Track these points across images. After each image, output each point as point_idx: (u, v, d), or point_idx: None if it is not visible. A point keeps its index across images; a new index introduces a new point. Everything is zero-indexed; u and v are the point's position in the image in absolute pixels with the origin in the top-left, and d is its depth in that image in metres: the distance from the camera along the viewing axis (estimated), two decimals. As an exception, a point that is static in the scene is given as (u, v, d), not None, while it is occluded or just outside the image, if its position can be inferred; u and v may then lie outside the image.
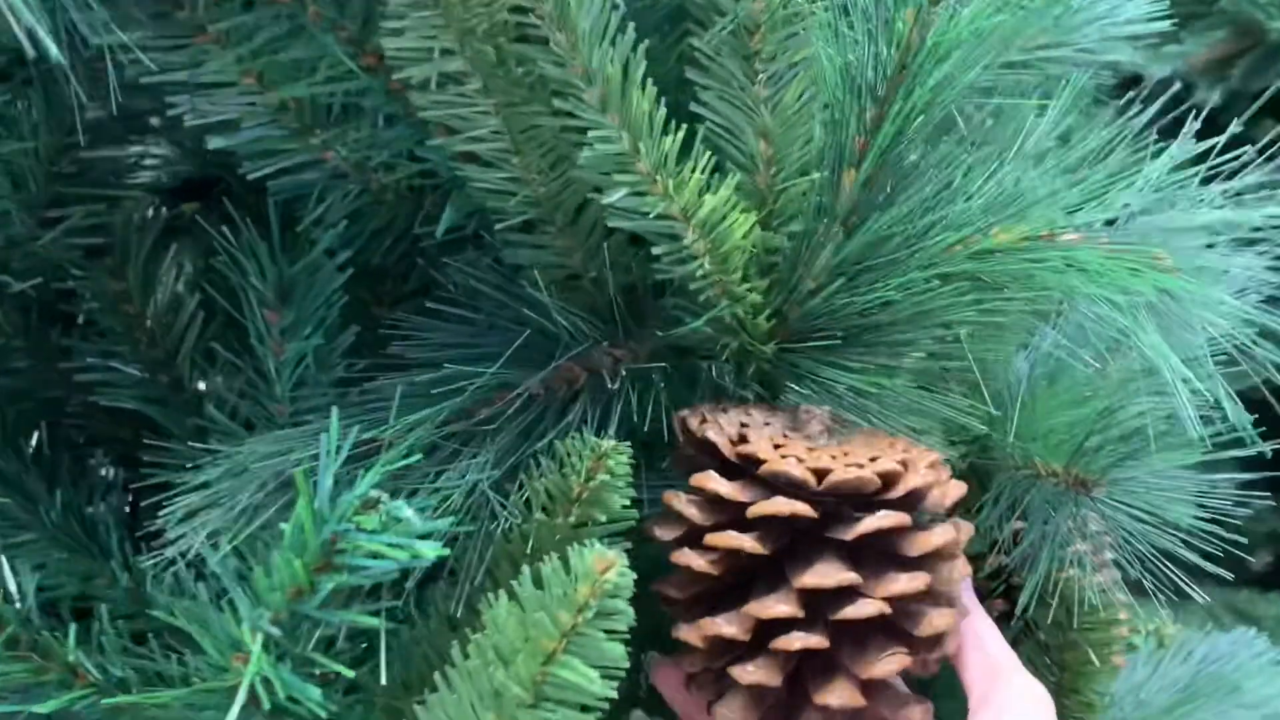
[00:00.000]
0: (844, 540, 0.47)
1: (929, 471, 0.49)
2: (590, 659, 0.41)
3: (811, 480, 0.47)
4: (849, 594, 0.46)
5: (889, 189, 0.50)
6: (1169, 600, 0.71)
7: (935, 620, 0.47)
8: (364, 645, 0.54)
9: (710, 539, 0.47)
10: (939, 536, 0.48)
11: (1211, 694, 0.79)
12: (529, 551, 0.45)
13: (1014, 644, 0.70)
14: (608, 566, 0.41)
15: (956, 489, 0.51)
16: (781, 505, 0.46)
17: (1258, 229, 0.52)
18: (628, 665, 0.41)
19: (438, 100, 0.45)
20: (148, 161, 0.70)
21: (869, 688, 0.47)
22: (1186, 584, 0.62)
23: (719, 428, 0.49)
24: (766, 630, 0.46)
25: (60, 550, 0.59)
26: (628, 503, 0.46)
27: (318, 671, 0.43)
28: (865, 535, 0.47)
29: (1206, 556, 0.61)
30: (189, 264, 0.66)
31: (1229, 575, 0.62)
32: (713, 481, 0.48)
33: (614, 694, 0.42)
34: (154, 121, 0.69)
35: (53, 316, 0.68)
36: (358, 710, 0.47)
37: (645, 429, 0.50)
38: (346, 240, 0.58)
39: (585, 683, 0.41)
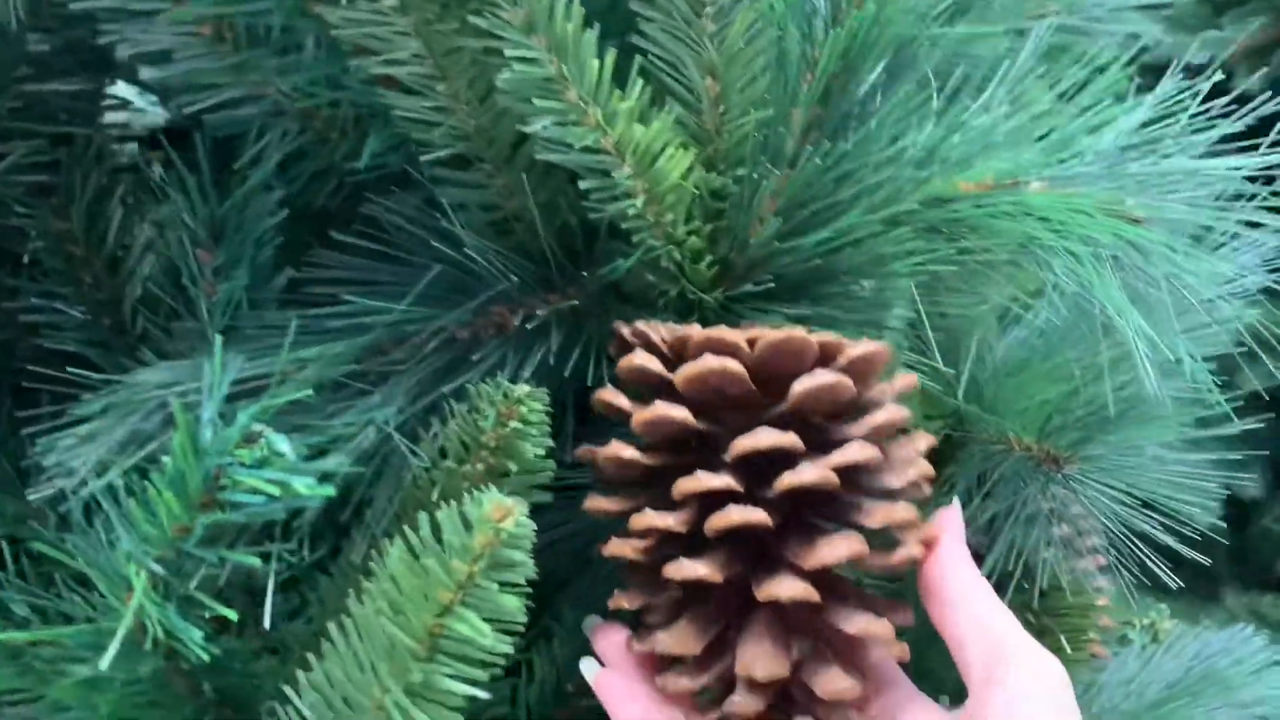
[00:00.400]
0: (783, 412, 0.43)
1: (871, 347, 0.45)
2: (485, 612, 0.39)
3: (744, 344, 0.43)
4: (791, 462, 0.42)
5: (840, 131, 0.47)
6: (1158, 591, 0.68)
7: (891, 513, 0.43)
8: (296, 599, 0.52)
9: (640, 415, 0.43)
10: (887, 413, 0.44)
11: (1203, 690, 0.76)
12: (436, 499, 0.43)
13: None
14: (505, 514, 0.39)
15: (905, 379, 0.47)
16: (712, 362, 0.42)
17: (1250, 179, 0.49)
18: (525, 620, 0.39)
19: (350, 18, 0.42)
20: (111, 104, 0.69)
21: (821, 581, 0.42)
22: (1162, 569, 0.59)
23: (655, 329, 0.46)
24: (705, 514, 0.43)
25: (-9, 490, 0.58)
26: (543, 452, 0.44)
27: (207, 615, 0.41)
28: (803, 400, 0.43)
29: (1184, 540, 0.58)
30: (138, 207, 0.64)
31: (1205, 560, 0.59)
32: (640, 358, 0.44)
33: (509, 649, 0.39)
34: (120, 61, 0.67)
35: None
36: (242, 654, 0.45)
37: (577, 381, 0.47)
38: (287, 180, 0.55)
39: (478, 637, 0.39)
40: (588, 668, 0.47)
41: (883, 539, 0.44)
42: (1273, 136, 0.48)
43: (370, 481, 0.44)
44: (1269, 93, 0.51)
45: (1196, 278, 0.42)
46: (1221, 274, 0.45)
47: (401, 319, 0.45)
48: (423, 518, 0.39)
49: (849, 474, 0.43)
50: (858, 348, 0.43)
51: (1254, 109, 0.51)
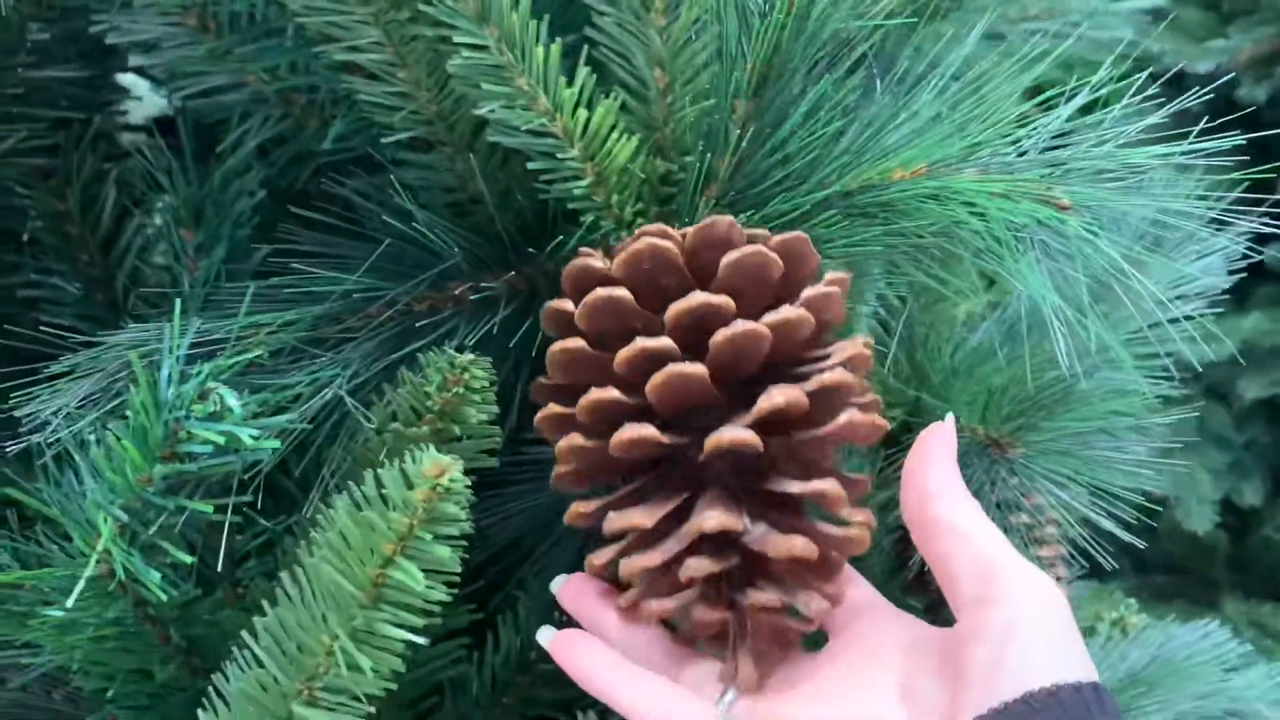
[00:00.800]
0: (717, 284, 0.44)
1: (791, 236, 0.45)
2: (424, 563, 0.42)
3: (675, 235, 0.44)
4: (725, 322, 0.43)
5: (781, 119, 0.50)
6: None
7: (826, 377, 0.42)
8: (272, 562, 0.55)
9: (584, 302, 0.44)
10: (822, 287, 0.45)
11: (1160, 681, 0.77)
12: (383, 459, 0.46)
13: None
14: (442, 471, 0.41)
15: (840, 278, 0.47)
16: (645, 243, 0.43)
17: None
18: (459, 570, 0.42)
19: (312, 6, 0.45)
20: (113, 94, 0.72)
21: (768, 439, 0.42)
22: (1102, 555, 0.61)
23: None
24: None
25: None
26: (488, 418, 0.46)
27: (169, 561, 0.44)
28: (733, 269, 0.44)
29: (1126, 527, 0.60)
30: (130, 190, 0.68)
31: (1141, 544, 0.60)
32: (581, 259, 0.45)
33: (445, 598, 0.42)
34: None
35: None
36: (209, 605, 0.48)
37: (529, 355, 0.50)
38: (268, 164, 0.59)
39: (415, 585, 0.41)
40: (544, 635, 0.47)
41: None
42: (1201, 125, 0.50)
43: (326, 444, 0.47)
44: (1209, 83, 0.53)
45: (1132, 269, 0.44)
46: (1142, 261, 0.47)
47: (357, 289, 0.48)
48: (368, 475, 0.42)
49: (783, 340, 0.43)
50: (780, 235, 0.45)
51: (1194, 95, 0.53)
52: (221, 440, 0.39)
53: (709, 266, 0.44)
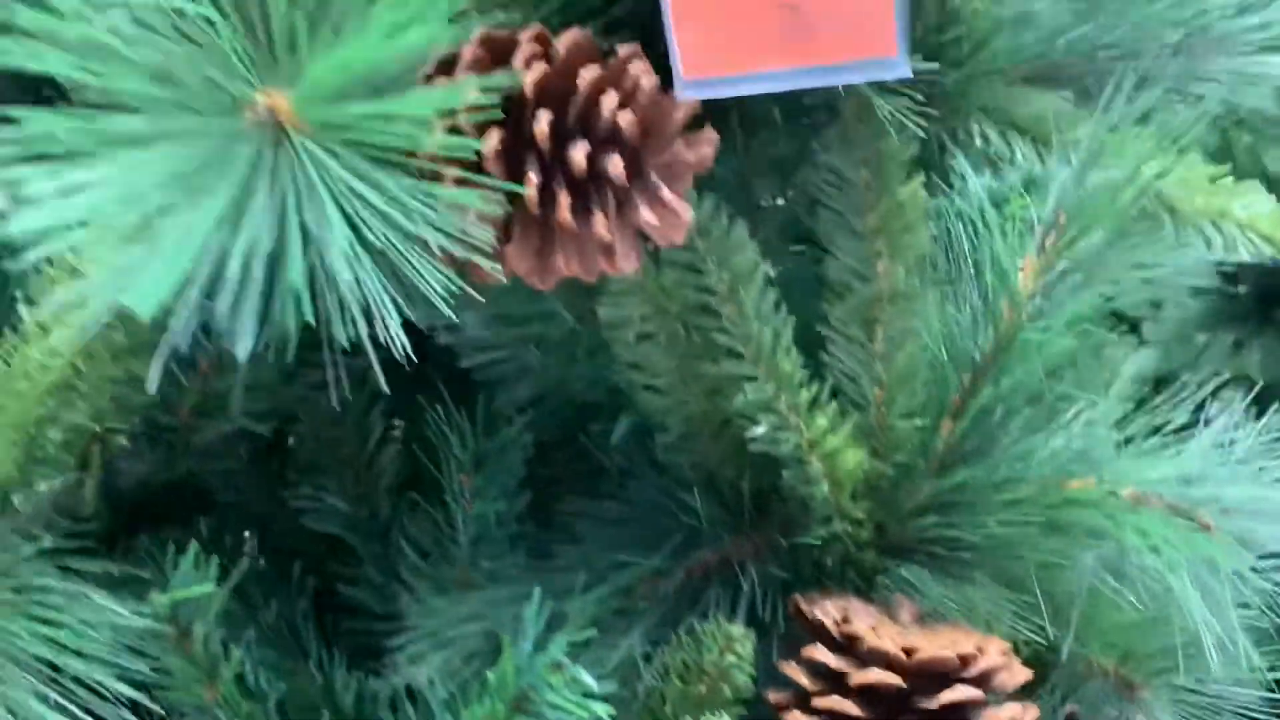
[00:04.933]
0: (929, 709, 0.57)
1: (1000, 656, 0.59)
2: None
3: (903, 656, 0.58)
4: None
5: (980, 439, 0.62)
6: None
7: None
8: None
9: (818, 702, 0.57)
10: (1007, 711, 0.58)
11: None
12: (668, 714, 0.57)
13: None
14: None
15: (1022, 673, 0.61)
16: (877, 675, 0.57)
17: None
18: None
19: (632, 348, 0.58)
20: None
21: None
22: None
23: (826, 610, 0.60)
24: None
25: (270, 650, 0.73)
26: (748, 678, 0.58)
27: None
28: (946, 706, 0.57)
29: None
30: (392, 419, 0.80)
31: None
32: (820, 653, 0.59)
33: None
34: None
35: (274, 446, 0.83)
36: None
37: (766, 613, 0.62)
38: (529, 421, 0.71)
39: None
40: None
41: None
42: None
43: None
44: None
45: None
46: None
47: (644, 565, 0.60)
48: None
49: None
50: (988, 660, 0.58)
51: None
52: (583, 713, 0.51)
53: (928, 690, 0.57)
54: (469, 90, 0.40)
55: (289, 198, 0.34)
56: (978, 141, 0.71)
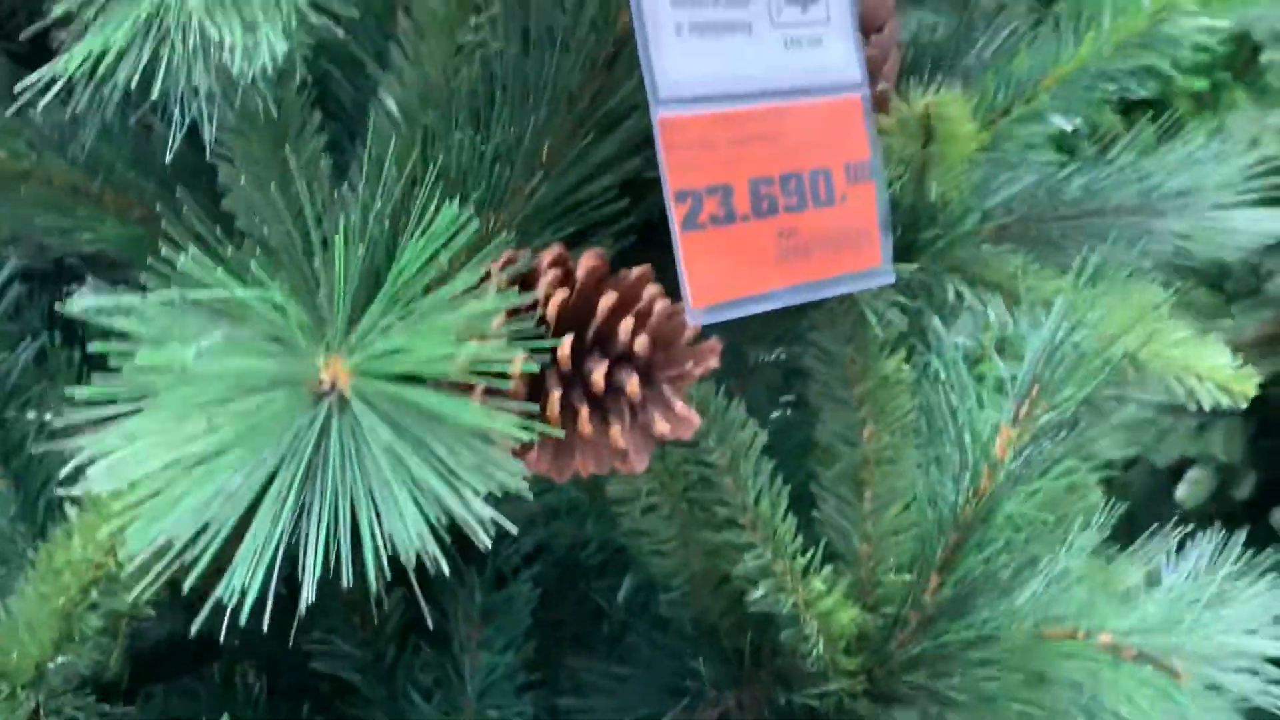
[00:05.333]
0: None
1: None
2: None
3: None
4: None
5: (964, 592, 0.66)
6: None
7: None
8: None
9: None
10: None
11: None
12: None
13: None
14: None
15: None
16: None
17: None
18: None
19: (637, 519, 0.62)
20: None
21: None
22: None
23: None
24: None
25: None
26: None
27: None
28: None
29: None
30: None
31: None
32: None
33: None
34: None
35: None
36: None
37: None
38: (533, 576, 0.74)
39: None
40: None
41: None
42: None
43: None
44: None
45: None
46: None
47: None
48: None
49: None
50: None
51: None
52: None
53: None
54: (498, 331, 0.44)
55: (343, 458, 0.38)
56: (952, 298, 0.76)
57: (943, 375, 0.69)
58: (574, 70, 0.54)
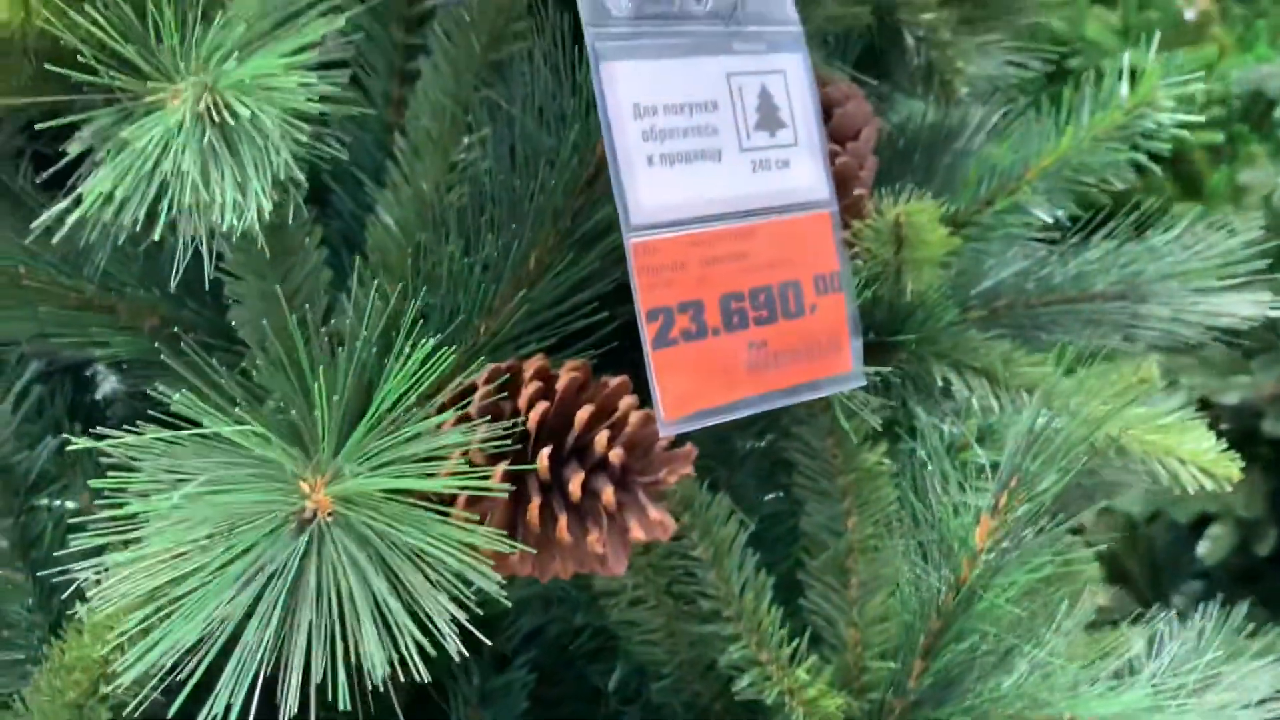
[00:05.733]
0: None
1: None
2: None
3: None
4: None
5: (948, 677, 0.68)
6: None
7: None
8: None
9: None
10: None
11: None
12: None
13: None
14: None
15: None
16: None
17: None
18: None
19: (624, 611, 0.64)
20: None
21: None
22: None
23: None
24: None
25: None
26: None
27: None
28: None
29: None
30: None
31: None
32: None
33: None
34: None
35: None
36: None
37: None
38: (530, 660, 0.77)
39: None
40: None
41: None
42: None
43: None
44: None
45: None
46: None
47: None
48: None
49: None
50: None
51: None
52: None
53: None
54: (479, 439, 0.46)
55: (320, 586, 0.40)
56: (939, 382, 0.78)
57: (926, 464, 0.71)
58: (557, 188, 0.57)
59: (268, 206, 0.41)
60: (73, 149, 0.48)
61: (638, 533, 0.52)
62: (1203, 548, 2.15)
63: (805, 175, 0.55)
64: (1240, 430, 2.05)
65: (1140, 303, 0.83)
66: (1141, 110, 0.78)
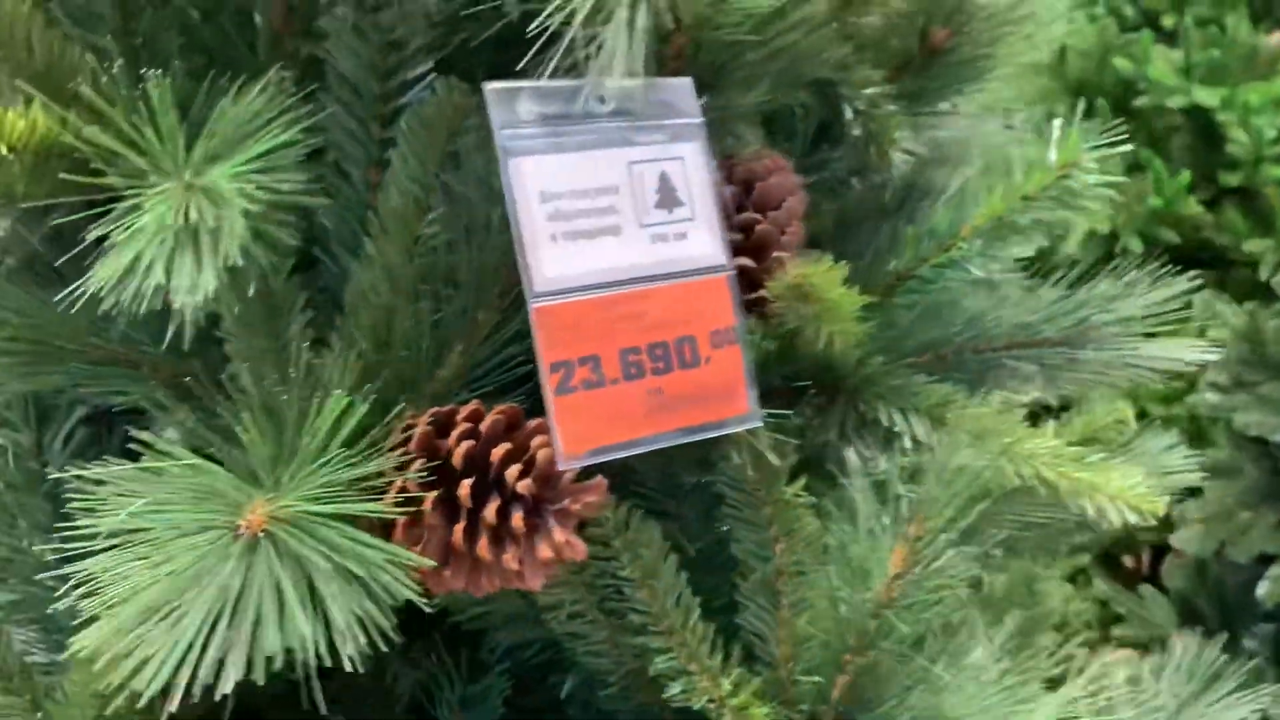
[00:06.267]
0: None
1: None
2: None
3: None
4: None
5: (869, 691, 0.75)
6: None
7: None
8: None
9: None
10: None
11: None
12: None
13: None
14: None
15: None
16: None
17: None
18: None
19: (565, 625, 0.73)
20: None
21: None
22: None
23: None
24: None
25: None
26: None
27: None
28: None
29: None
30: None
31: None
32: None
33: None
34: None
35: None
36: None
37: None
38: (508, 668, 0.86)
39: None
40: None
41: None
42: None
43: None
44: None
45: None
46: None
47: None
48: None
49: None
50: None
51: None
52: None
53: None
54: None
55: (269, 588, 0.51)
56: (884, 421, 0.85)
57: (853, 496, 0.78)
58: (494, 255, 0.67)
59: (212, 286, 0.51)
60: (91, 236, 0.59)
61: (546, 552, 0.61)
62: (1262, 589, 2.13)
63: (702, 245, 0.64)
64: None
65: (1080, 349, 0.89)
66: (1067, 171, 0.84)
